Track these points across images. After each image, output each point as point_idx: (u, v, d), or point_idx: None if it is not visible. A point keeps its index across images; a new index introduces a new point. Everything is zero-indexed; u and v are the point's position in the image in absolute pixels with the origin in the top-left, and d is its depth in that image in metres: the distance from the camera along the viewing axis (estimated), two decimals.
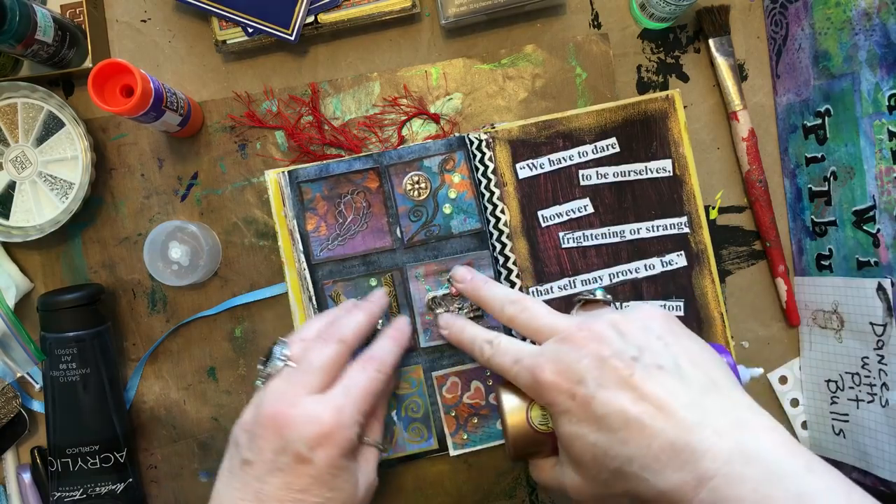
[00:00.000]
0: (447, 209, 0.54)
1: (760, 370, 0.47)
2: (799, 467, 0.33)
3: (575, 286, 0.55)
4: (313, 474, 0.40)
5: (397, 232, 0.54)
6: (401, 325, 0.51)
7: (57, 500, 0.54)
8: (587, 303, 0.46)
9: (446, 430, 0.54)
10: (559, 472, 0.42)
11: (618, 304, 0.54)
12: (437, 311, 0.53)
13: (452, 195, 0.54)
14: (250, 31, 0.55)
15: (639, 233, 0.55)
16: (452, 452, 0.54)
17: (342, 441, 0.41)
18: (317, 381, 0.42)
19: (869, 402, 0.52)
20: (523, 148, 0.55)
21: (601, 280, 0.55)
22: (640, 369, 0.37)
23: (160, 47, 0.59)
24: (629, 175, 0.55)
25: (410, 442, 0.54)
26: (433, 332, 0.54)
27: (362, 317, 0.48)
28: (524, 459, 0.45)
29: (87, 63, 0.56)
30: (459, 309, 0.53)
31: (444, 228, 0.54)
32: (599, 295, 0.46)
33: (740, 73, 0.58)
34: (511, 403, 0.43)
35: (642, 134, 0.55)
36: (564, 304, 0.54)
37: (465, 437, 0.54)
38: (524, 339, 0.45)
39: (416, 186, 0.54)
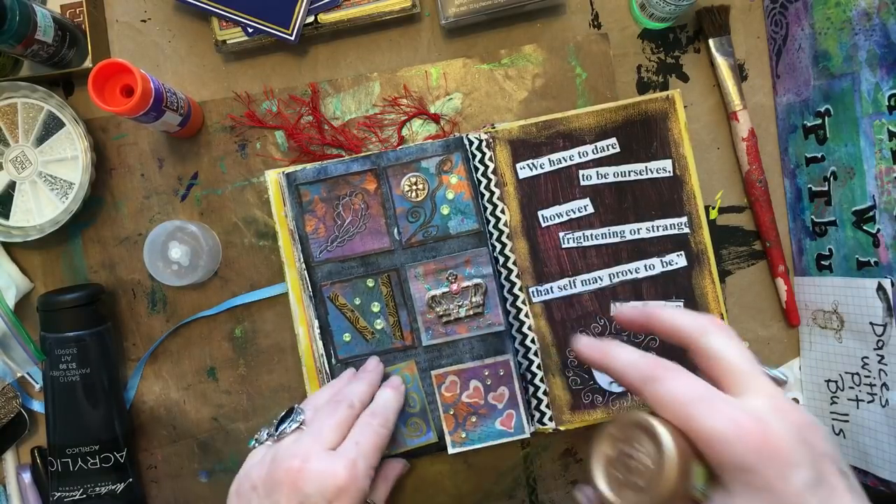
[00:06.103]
0: (445, 210, 0.54)
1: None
2: None
3: (575, 286, 0.55)
4: None
5: (395, 233, 0.54)
6: (394, 382, 0.53)
7: (57, 500, 0.54)
8: None
9: (445, 429, 0.54)
10: None
11: None
12: (441, 314, 0.53)
13: (450, 196, 0.54)
14: (250, 31, 0.55)
15: (639, 233, 0.55)
16: (451, 451, 0.54)
17: (357, 493, 0.43)
18: (329, 439, 0.44)
19: (869, 402, 0.52)
20: (523, 148, 0.55)
21: (601, 280, 0.55)
22: (845, 482, 0.32)
23: (160, 47, 0.59)
24: (629, 175, 0.55)
25: (410, 437, 0.54)
26: (434, 331, 0.54)
27: (364, 387, 0.50)
28: None
29: (87, 63, 0.56)
30: (459, 307, 0.53)
31: (443, 229, 0.54)
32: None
33: (740, 73, 0.58)
34: (672, 449, 0.32)
35: (642, 134, 0.55)
36: (564, 305, 0.55)
37: (464, 435, 0.54)
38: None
39: (414, 188, 0.54)
